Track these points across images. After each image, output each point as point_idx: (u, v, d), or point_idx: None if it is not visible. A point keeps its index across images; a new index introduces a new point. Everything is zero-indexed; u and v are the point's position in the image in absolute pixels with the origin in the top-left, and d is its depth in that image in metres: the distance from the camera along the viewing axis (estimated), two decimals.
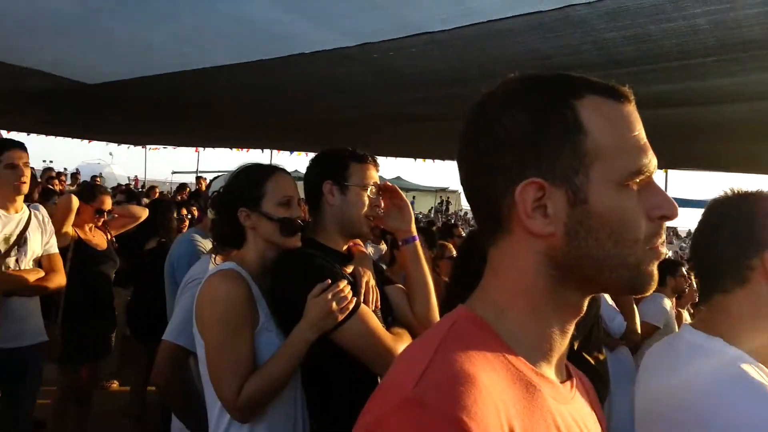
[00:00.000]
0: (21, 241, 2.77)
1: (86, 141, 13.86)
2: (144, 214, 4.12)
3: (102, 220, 3.67)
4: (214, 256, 1.86)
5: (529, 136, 0.66)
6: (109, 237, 3.75)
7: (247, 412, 1.49)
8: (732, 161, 7.76)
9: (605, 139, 0.65)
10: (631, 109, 0.69)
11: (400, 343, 1.58)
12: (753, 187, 1.16)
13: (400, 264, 3.64)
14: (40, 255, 2.89)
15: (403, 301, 1.81)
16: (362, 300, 1.60)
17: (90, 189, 3.81)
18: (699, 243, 1.21)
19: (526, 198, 0.65)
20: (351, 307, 1.52)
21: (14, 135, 9.19)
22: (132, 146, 16.35)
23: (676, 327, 4.00)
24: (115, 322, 3.82)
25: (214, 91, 5.25)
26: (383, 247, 5.07)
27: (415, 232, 1.85)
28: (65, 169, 19.66)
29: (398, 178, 29.66)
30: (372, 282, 1.70)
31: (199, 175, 15.37)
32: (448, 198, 32.59)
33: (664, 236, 0.68)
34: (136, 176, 27.06)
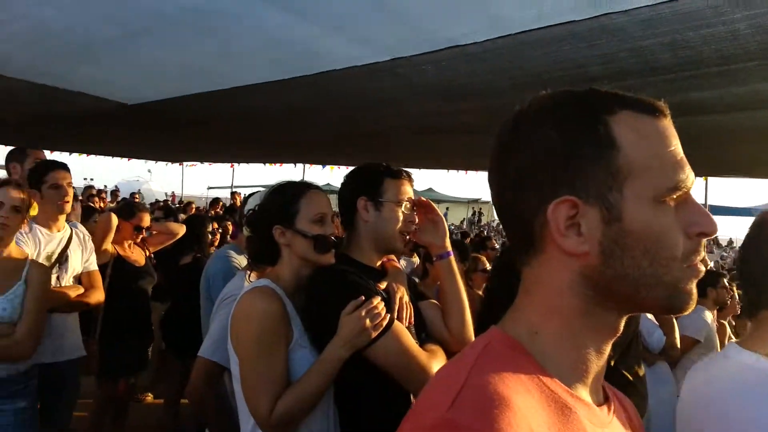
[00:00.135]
0: (62, 258, 2.85)
1: (125, 159, 14.26)
2: (182, 231, 4.19)
3: (141, 236, 3.74)
4: (248, 272, 1.88)
5: (561, 153, 0.65)
6: (147, 253, 3.82)
7: (280, 429, 1.49)
8: None
9: (639, 154, 0.64)
10: (667, 123, 0.67)
11: (434, 360, 1.56)
12: None
13: (432, 277, 3.63)
14: (80, 272, 2.97)
15: (437, 317, 1.79)
16: (396, 316, 1.59)
17: (129, 207, 3.89)
18: (746, 256, 1.17)
19: (558, 216, 0.64)
20: (384, 323, 1.51)
21: (57, 155, 9.49)
22: (169, 163, 16.75)
23: (717, 340, 3.87)
24: (153, 337, 3.88)
25: (249, 109, 5.34)
26: (415, 259, 5.06)
27: (449, 247, 1.83)
28: (105, 186, 20.22)
29: (430, 189, 29.59)
30: (406, 298, 1.69)
31: (233, 190, 15.64)
32: (480, 209, 32.35)
33: (703, 254, 0.66)
34: (173, 192, 27.70)
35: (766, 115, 4.18)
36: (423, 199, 1.84)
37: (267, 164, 14.04)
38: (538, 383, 0.62)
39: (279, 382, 1.49)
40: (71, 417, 2.97)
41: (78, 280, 2.96)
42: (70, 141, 9.79)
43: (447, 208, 28.97)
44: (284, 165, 13.41)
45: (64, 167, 2.91)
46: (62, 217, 2.90)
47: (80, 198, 7.94)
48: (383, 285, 1.69)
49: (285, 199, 1.69)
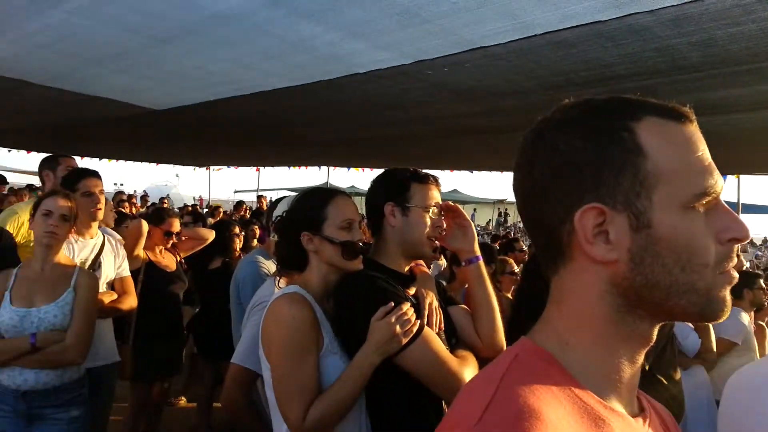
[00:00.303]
0: (95, 265, 2.90)
1: (154, 164, 14.51)
2: (211, 236, 4.24)
3: (171, 242, 3.80)
4: (278, 278, 1.89)
5: (587, 161, 0.64)
6: (178, 258, 3.88)
7: None
8: None
9: (667, 161, 0.63)
10: (693, 128, 0.66)
11: (465, 366, 1.56)
12: None
13: (459, 281, 3.60)
14: (113, 278, 3.02)
15: (467, 323, 1.78)
16: (426, 322, 1.59)
17: (159, 213, 3.95)
18: None
19: (585, 224, 0.64)
20: (414, 330, 1.50)
21: (87, 161, 9.69)
22: (197, 167, 16.98)
23: (756, 343, 3.78)
24: (185, 341, 3.93)
25: (274, 113, 5.40)
26: (442, 263, 5.03)
27: (478, 252, 1.82)
28: (135, 191, 20.59)
29: (455, 191, 29.41)
30: (435, 304, 1.68)
31: (259, 193, 15.77)
32: (506, 210, 32.05)
33: (735, 260, 0.65)
34: (200, 196, 27.99)
35: None
36: (451, 203, 1.83)
37: (291, 167, 14.13)
38: (570, 395, 0.62)
39: (311, 388, 1.49)
40: (108, 422, 3.01)
41: (111, 286, 3.01)
42: (100, 147, 10.01)
43: (474, 210, 28.76)
44: (309, 168, 13.49)
45: (95, 175, 2.95)
46: (95, 224, 2.95)
47: (112, 205, 8.08)
48: (412, 291, 1.69)
49: (313, 205, 1.69)
